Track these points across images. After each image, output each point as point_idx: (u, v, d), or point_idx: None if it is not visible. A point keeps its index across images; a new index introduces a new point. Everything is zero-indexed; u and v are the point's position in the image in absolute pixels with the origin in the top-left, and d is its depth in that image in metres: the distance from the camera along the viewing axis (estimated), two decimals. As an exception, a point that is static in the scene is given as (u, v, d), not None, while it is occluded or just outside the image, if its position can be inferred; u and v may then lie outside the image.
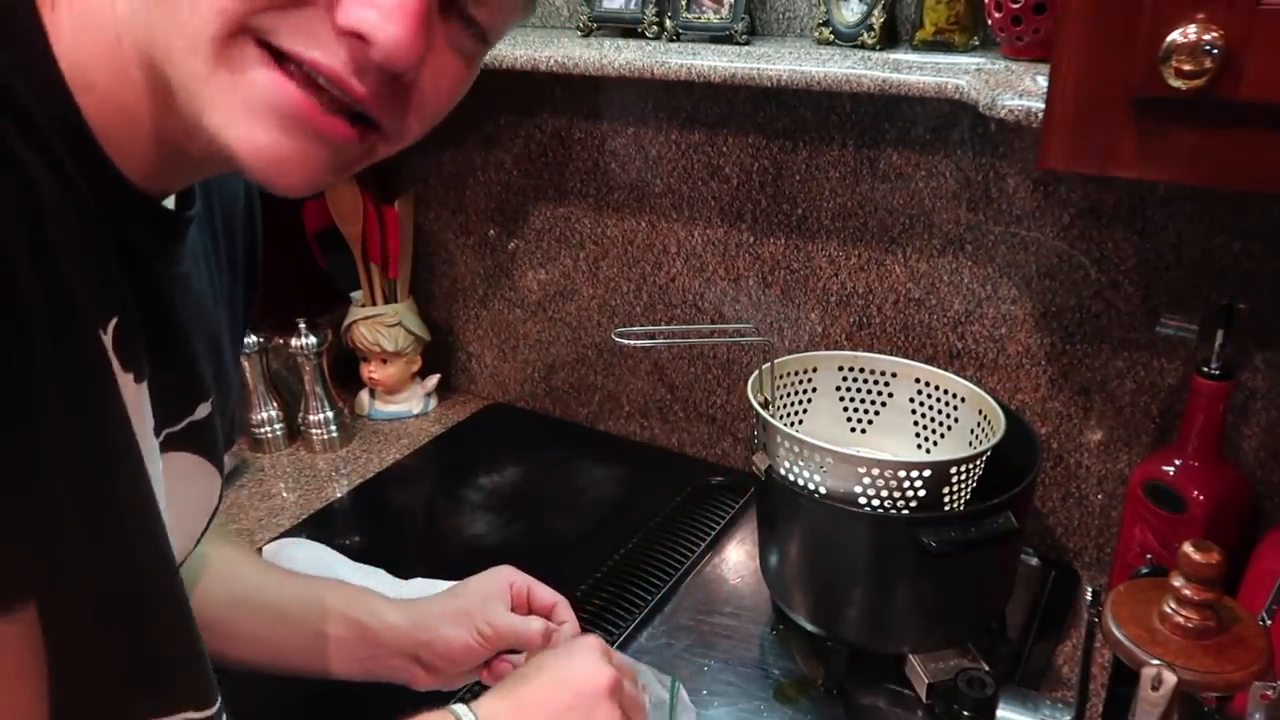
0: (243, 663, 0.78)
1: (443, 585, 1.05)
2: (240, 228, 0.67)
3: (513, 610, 0.82)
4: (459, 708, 0.63)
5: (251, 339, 1.31)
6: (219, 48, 0.41)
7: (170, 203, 0.52)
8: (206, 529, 0.65)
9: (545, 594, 0.84)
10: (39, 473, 0.41)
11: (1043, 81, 0.71)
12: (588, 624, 0.99)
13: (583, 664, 0.68)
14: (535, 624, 0.80)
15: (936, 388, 1.00)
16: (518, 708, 0.65)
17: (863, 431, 1.04)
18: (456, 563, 1.11)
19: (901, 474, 0.83)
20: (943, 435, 1.00)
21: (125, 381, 0.47)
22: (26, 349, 0.39)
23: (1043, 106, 0.66)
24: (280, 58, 0.42)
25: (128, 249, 0.47)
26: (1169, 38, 0.56)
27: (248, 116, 0.42)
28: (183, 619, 0.52)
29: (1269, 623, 0.80)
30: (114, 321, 0.46)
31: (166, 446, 0.55)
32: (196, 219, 0.54)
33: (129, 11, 0.43)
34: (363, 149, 0.46)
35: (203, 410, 0.57)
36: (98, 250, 0.45)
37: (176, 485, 0.56)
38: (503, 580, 0.84)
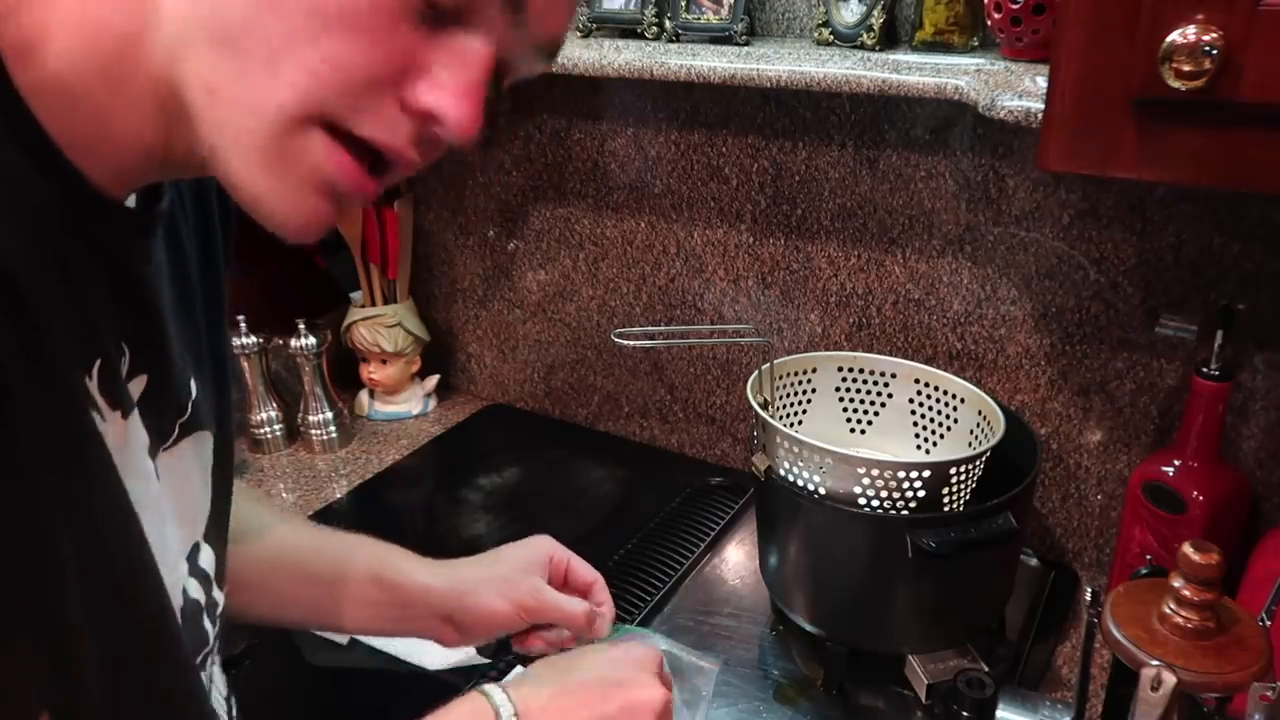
0: (271, 620, 0.77)
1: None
2: (214, 185, 0.63)
3: (549, 583, 0.80)
4: (494, 691, 0.61)
5: (251, 339, 1.30)
6: (287, 127, 0.41)
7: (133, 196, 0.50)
8: (225, 494, 0.64)
9: (584, 571, 0.82)
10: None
11: (1042, 82, 0.71)
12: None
13: (636, 675, 0.65)
14: (580, 605, 0.78)
15: (936, 388, 1.00)
16: (561, 700, 0.62)
17: (862, 432, 1.04)
18: (456, 563, 1.11)
19: (901, 474, 0.83)
20: (942, 436, 1.00)
21: (113, 420, 0.46)
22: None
23: (1042, 107, 0.66)
24: (346, 138, 0.43)
25: (104, 265, 0.46)
26: (1168, 39, 0.56)
27: (299, 192, 0.43)
28: (189, 700, 0.51)
29: (1268, 623, 0.81)
30: (98, 364, 0.45)
31: (182, 435, 0.55)
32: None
33: (164, 35, 0.41)
34: None
35: (194, 387, 0.57)
36: (75, 287, 0.43)
37: (192, 470, 0.57)
38: (543, 552, 0.81)
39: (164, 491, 0.53)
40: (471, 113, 0.43)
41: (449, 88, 0.43)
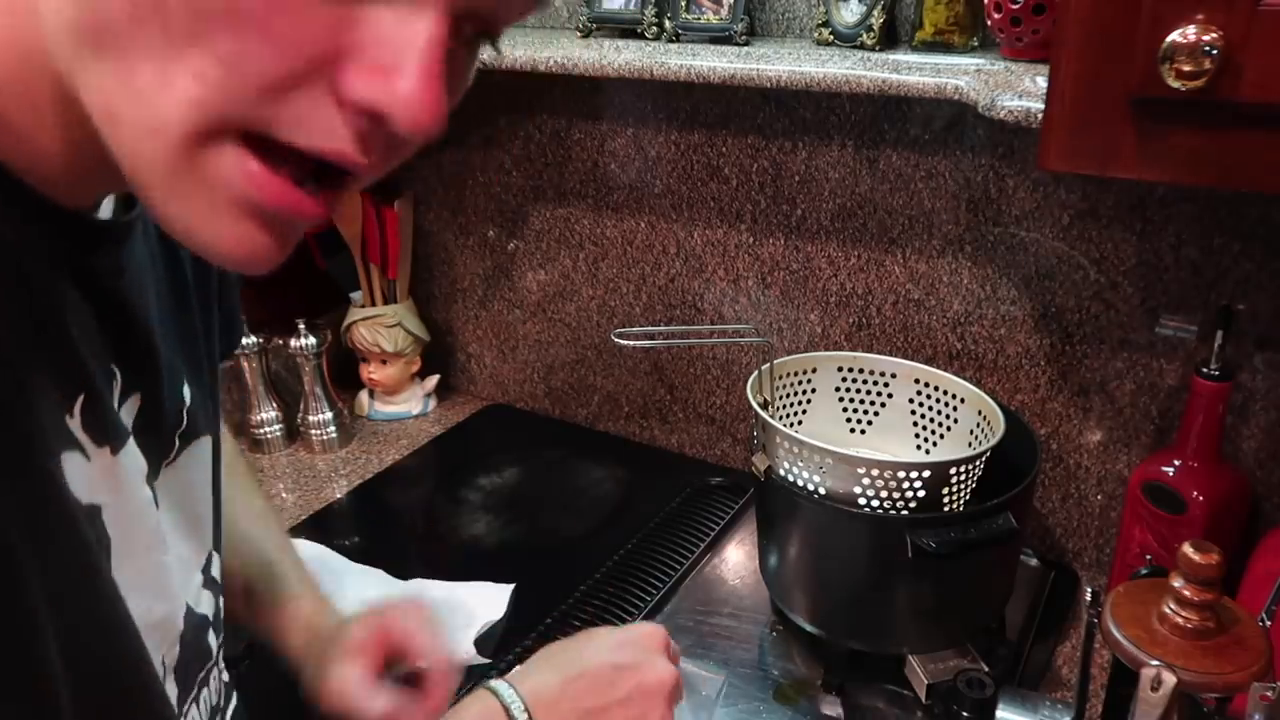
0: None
1: (440, 586, 1.06)
2: None
3: (390, 657, 0.72)
4: (501, 687, 0.59)
5: (251, 339, 1.31)
6: (190, 145, 0.35)
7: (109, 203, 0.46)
8: (220, 497, 0.62)
9: (423, 653, 0.72)
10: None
11: (1042, 82, 0.71)
12: (587, 624, 0.99)
13: (645, 656, 0.64)
14: (377, 705, 0.68)
15: (936, 388, 0.99)
16: (571, 688, 0.61)
17: (862, 432, 1.04)
18: (456, 563, 1.11)
19: (901, 475, 0.83)
20: (942, 436, 1.00)
21: (100, 457, 0.43)
22: None
23: (1042, 107, 0.66)
24: (267, 147, 0.36)
25: (81, 285, 0.42)
26: (1168, 39, 0.56)
27: (218, 215, 0.36)
28: None
29: (1268, 623, 0.81)
30: (80, 400, 0.41)
31: (182, 445, 0.53)
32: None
33: (47, 39, 0.35)
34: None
35: (189, 394, 0.55)
36: (52, 318, 0.40)
37: (195, 481, 0.55)
38: (377, 630, 0.71)
39: (166, 513, 0.51)
40: (426, 101, 0.34)
41: (390, 73, 0.34)
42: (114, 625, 0.44)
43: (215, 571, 0.58)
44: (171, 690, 0.51)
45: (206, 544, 0.57)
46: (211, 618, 0.57)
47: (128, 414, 0.47)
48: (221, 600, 0.59)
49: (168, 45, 0.33)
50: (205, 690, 0.57)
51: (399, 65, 0.34)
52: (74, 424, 0.41)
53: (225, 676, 0.61)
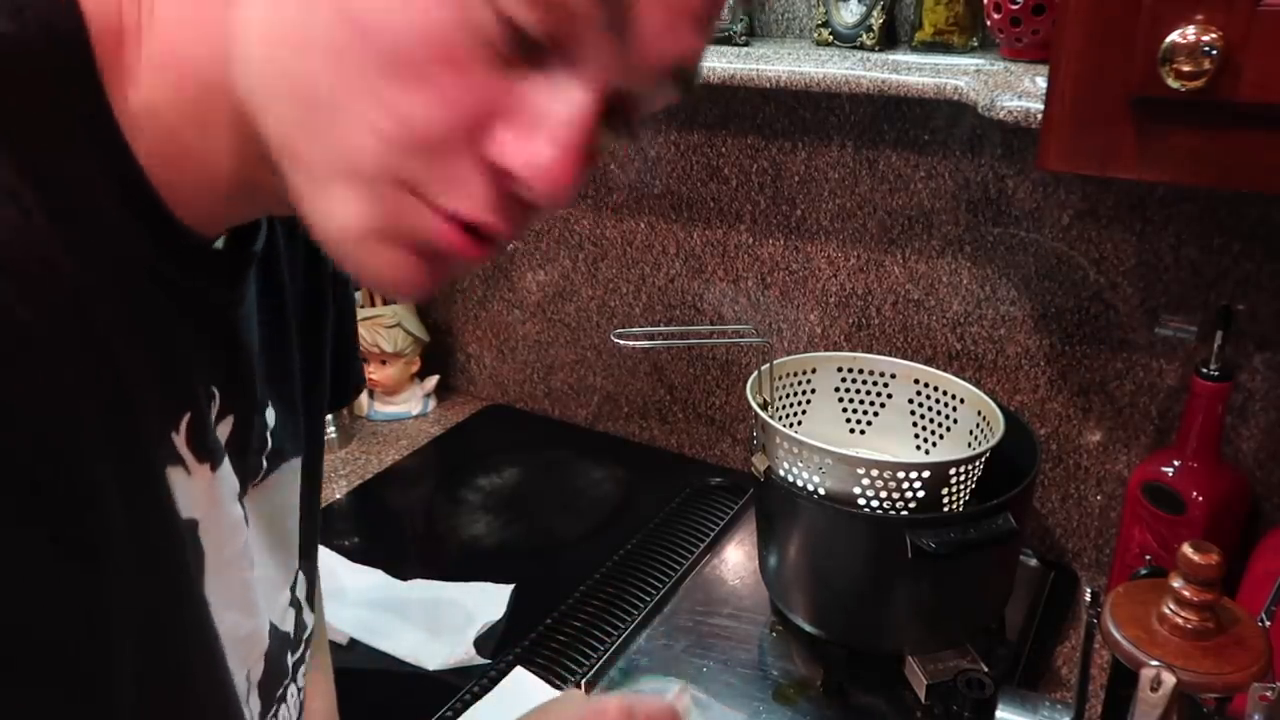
0: None
1: (440, 586, 1.06)
2: None
3: None
4: None
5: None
6: (370, 194, 0.37)
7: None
8: (312, 518, 0.62)
9: None
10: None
11: (1042, 82, 0.71)
12: (587, 624, 0.99)
13: None
14: None
15: (935, 389, 0.99)
16: None
17: (862, 432, 1.04)
18: (456, 564, 1.11)
19: (900, 475, 0.83)
20: (942, 436, 1.00)
21: (200, 473, 0.44)
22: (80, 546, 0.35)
23: (1042, 107, 0.66)
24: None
25: (195, 312, 0.44)
26: (1168, 39, 0.56)
27: (376, 239, 0.38)
28: None
29: (1268, 623, 0.81)
30: (186, 418, 0.43)
31: (271, 467, 0.54)
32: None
33: (245, 80, 0.38)
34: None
35: (272, 416, 0.55)
36: (165, 338, 0.41)
37: (284, 501, 0.56)
38: None
39: (256, 532, 0.52)
40: (558, 171, 0.36)
41: (534, 139, 0.36)
42: (198, 636, 0.45)
43: (300, 591, 0.59)
44: (254, 706, 0.52)
45: (293, 564, 0.58)
46: (292, 636, 0.57)
47: (221, 434, 0.48)
48: (305, 616, 0.59)
49: (351, 98, 0.35)
50: (283, 706, 0.57)
51: (543, 133, 0.36)
52: (179, 440, 0.43)
53: (302, 696, 0.61)
